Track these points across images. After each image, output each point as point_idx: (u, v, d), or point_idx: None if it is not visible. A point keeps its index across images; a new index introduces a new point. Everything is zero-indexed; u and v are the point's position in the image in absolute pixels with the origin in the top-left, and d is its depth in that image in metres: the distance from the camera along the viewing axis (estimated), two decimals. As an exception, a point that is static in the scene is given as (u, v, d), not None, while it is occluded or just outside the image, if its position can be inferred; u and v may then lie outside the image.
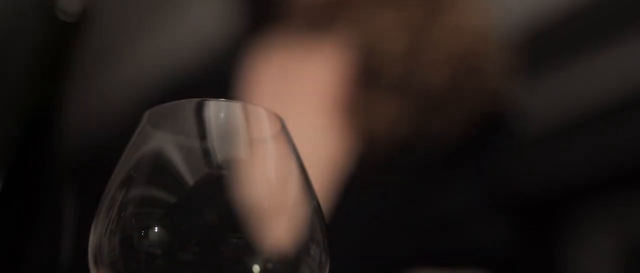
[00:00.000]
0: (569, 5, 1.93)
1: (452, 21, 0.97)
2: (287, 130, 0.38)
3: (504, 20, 1.15)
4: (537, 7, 1.96)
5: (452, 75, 0.93)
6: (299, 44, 1.01)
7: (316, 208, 0.38)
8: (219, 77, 0.99)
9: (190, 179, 0.35)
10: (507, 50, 0.98)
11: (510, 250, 0.91)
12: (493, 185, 0.93)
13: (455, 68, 0.93)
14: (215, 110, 0.37)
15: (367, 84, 0.94)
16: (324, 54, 0.99)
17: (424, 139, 0.91)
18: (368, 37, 0.96)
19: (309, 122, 0.95)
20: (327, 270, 0.38)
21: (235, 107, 0.37)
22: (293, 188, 0.38)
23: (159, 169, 0.36)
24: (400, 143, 0.91)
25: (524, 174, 1.03)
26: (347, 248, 0.87)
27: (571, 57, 2.05)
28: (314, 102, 0.96)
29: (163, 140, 0.36)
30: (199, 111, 0.37)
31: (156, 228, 0.34)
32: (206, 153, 0.36)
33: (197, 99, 0.37)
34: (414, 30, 0.95)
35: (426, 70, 0.93)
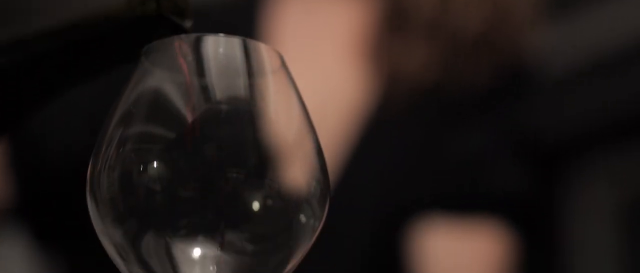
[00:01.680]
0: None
1: None
2: (287, 67, 0.37)
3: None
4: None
5: (484, 20, 0.92)
6: None
7: (317, 146, 0.38)
8: (240, 15, 0.97)
9: (189, 115, 0.35)
10: None
11: (526, 196, 0.91)
12: (512, 132, 0.93)
13: (487, 12, 0.92)
14: (214, 45, 0.36)
15: (395, 26, 0.92)
16: None
17: (449, 84, 0.91)
18: None
19: (333, 63, 0.94)
20: (327, 208, 0.38)
21: (234, 42, 0.36)
22: (294, 127, 0.37)
23: (158, 105, 0.36)
24: (425, 87, 0.90)
25: (544, 121, 1.03)
26: (367, 189, 0.88)
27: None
28: (339, 42, 0.95)
29: (161, 76, 0.36)
30: (197, 46, 0.36)
31: (155, 163, 0.34)
32: (205, 89, 0.36)
33: (195, 34, 0.36)
34: None
35: (458, 13, 0.92)
